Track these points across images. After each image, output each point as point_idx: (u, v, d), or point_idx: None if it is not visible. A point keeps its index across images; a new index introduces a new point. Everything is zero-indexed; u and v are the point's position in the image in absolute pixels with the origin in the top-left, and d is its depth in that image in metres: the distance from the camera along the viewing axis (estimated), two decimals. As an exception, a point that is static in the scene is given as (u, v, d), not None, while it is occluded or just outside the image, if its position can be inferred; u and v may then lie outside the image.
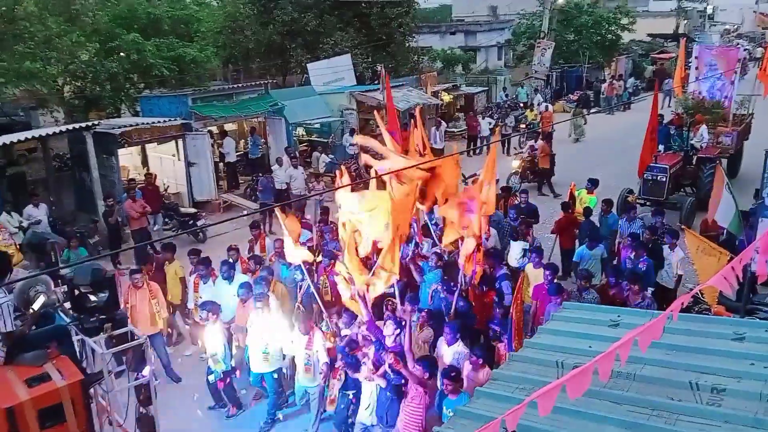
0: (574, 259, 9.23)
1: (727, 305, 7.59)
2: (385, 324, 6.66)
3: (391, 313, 6.82)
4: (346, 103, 19.44)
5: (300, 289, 8.07)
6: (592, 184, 11.60)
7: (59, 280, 5.03)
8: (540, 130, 18.60)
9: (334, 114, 19.27)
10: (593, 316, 5.09)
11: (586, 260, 8.81)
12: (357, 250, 6.88)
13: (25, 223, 11.44)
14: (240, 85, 19.05)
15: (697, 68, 16.62)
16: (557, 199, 13.37)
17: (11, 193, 13.04)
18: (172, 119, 15.04)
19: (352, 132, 18.49)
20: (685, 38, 29.02)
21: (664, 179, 12.91)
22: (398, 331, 6.44)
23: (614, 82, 30.38)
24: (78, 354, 4.79)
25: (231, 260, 8.34)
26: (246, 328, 7.28)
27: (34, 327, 4.65)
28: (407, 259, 8.06)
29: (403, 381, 5.77)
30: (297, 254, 7.52)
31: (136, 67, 18.81)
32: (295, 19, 22.33)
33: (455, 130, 22.99)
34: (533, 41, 31.37)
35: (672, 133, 14.78)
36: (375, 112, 10.70)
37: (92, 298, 4.54)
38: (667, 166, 13.07)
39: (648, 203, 12.89)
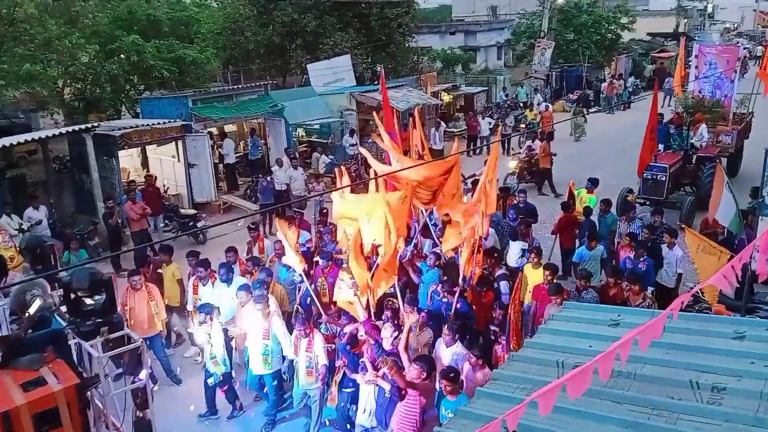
0: (574, 259, 9.22)
1: (728, 304, 7.58)
2: (383, 326, 6.64)
3: (391, 313, 6.81)
4: (346, 103, 19.44)
5: (299, 290, 8.06)
6: (592, 183, 11.60)
7: (56, 284, 5.02)
8: (539, 130, 18.60)
9: (334, 115, 19.26)
10: (593, 315, 5.09)
11: (585, 260, 8.80)
12: (362, 251, 6.89)
13: (25, 226, 11.44)
14: (240, 86, 19.05)
15: (697, 67, 16.60)
16: (558, 199, 13.36)
17: (11, 196, 13.05)
18: (172, 121, 15.05)
19: (352, 133, 18.50)
20: (685, 37, 29.05)
21: (663, 178, 12.89)
22: (396, 333, 6.42)
23: (614, 81, 30.37)
24: (75, 358, 4.77)
25: (229, 262, 8.31)
26: (245, 330, 7.26)
27: (30, 331, 4.64)
28: (405, 260, 8.06)
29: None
30: (295, 262, 7.52)
31: (136, 68, 18.80)
32: (295, 20, 22.34)
33: (455, 130, 22.99)
34: (533, 41, 31.38)
35: (672, 132, 14.77)
36: (374, 113, 10.71)
37: (88, 301, 4.53)
38: (666, 166, 13.06)
39: (648, 203, 12.88)
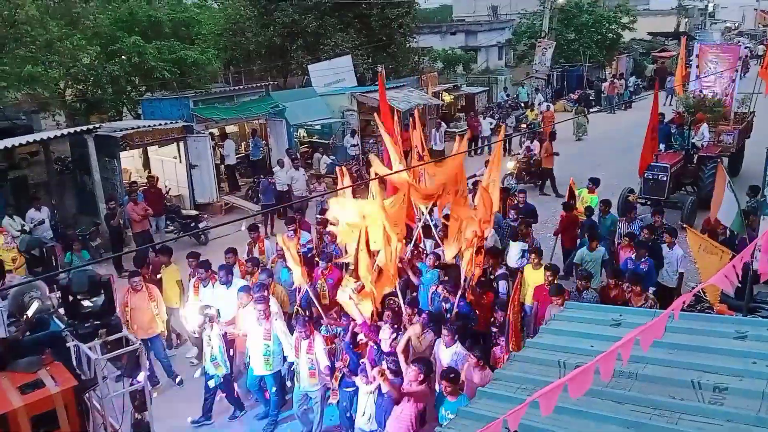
0: (574, 260, 9.16)
1: (730, 304, 7.57)
2: (382, 327, 6.64)
3: (392, 313, 6.81)
4: (347, 104, 19.44)
5: (299, 292, 8.05)
6: (594, 183, 11.59)
7: (54, 286, 5.01)
8: (539, 130, 18.60)
9: (335, 115, 19.28)
10: (595, 315, 5.08)
11: (586, 261, 8.79)
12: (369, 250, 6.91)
13: (27, 227, 11.46)
14: (241, 87, 19.08)
15: (698, 66, 16.59)
16: (559, 199, 13.35)
17: (13, 197, 13.07)
18: (174, 122, 15.08)
19: (353, 133, 18.51)
20: (685, 36, 29.06)
21: (665, 178, 12.86)
22: (395, 335, 6.42)
23: (615, 81, 30.36)
24: (73, 360, 4.76)
25: (228, 263, 8.29)
26: (246, 332, 7.25)
27: (28, 333, 4.63)
28: (404, 261, 8.05)
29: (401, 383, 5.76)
30: (297, 274, 7.50)
31: (138, 70, 18.82)
32: (296, 21, 22.35)
33: (456, 130, 23.01)
34: (534, 41, 31.38)
35: (673, 131, 14.76)
36: (375, 113, 10.72)
37: (86, 303, 4.52)
38: (668, 165, 13.03)
39: (649, 203, 12.86)
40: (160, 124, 14.76)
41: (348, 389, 6.49)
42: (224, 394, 7.49)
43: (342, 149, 18.59)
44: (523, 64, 33.91)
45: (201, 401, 7.49)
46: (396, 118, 9.33)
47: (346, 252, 7.98)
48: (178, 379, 8.28)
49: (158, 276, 8.64)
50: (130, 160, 16.06)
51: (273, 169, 15.11)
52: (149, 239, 12.18)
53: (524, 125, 21.55)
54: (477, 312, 7.33)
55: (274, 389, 7.18)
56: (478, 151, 20.44)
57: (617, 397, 3.75)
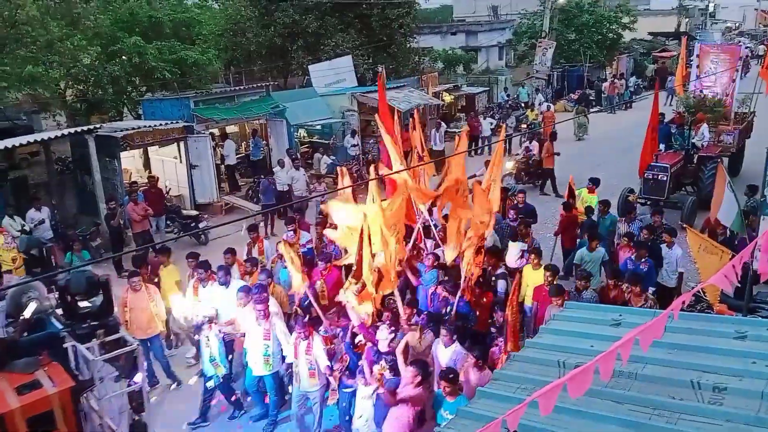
0: (574, 261, 9.14)
1: (729, 304, 7.57)
2: (379, 328, 6.63)
3: (391, 314, 6.81)
4: (347, 104, 19.45)
5: (297, 296, 8.03)
6: (594, 183, 11.59)
7: (53, 286, 5.01)
8: (539, 130, 18.60)
9: (336, 115, 19.28)
10: (594, 315, 5.08)
11: (586, 262, 8.77)
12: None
13: (27, 227, 11.47)
14: (241, 87, 19.09)
15: (698, 67, 16.59)
16: (559, 199, 13.35)
17: (14, 197, 13.08)
18: (174, 122, 15.09)
19: (353, 133, 18.52)
20: (686, 36, 29.04)
21: (665, 178, 12.85)
22: (392, 336, 6.41)
23: (616, 81, 30.35)
24: (72, 361, 4.76)
25: (227, 264, 8.27)
26: (244, 332, 7.22)
27: (26, 334, 4.62)
28: (403, 262, 8.05)
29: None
30: (298, 280, 7.51)
31: (138, 70, 18.84)
32: (296, 21, 22.36)
33: (456, 130, 23.01)
34: (534, 41, 31.37)
35: (673, 132, 14.75)
36: (376, 114, 10.72)
37: (82, 304, 4.51)
38: (668, 165, 13.02)
39: (649, 203, 12.86)
40: (161, 125, 14.77)
41: (347, 390, 6.49)
42: (222, 396, 7.47)
43: (342, 149, 18.59)
44: (523, 65, 33.91)
45: (199, 402, 7.47)
46: (396, 118, 9.31)
47: (346, 252, 7.97)
48: (173, 387, 8.21)
49: (156, 280, 8.62)
50: (130, 161, 16.07)
51: (273, 169, 15.12)
52: (149, 239, 12.18)
53: (524, 125, 21.55)
54: (476, 312, 7.33)
55: (273, 390, 7.17)
56: (479, 151, 20.43)
57: (617, 397, 3.75)
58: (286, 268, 8.31)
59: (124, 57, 18.59)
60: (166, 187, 15.07)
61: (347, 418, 6.50)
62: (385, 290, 7.12)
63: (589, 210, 10.40)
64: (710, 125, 14.81)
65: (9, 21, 15.50)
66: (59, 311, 4.84)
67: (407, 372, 5.60)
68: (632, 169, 13.92)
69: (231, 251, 8.60)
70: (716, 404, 3.54)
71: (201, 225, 13.63)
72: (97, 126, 13.95)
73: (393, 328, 6.51)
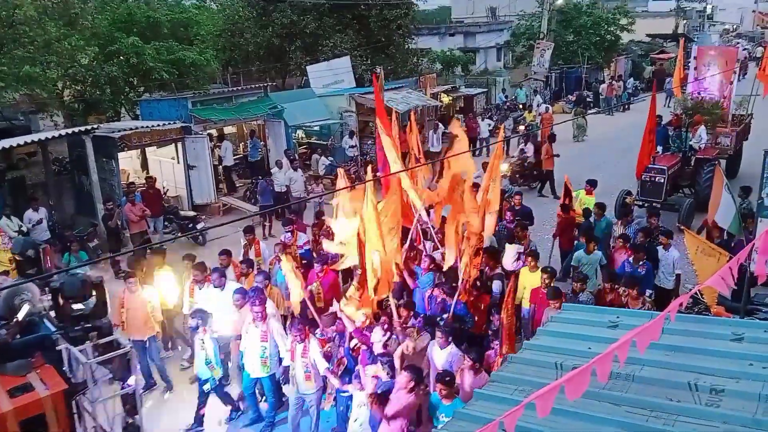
0: (572, 263, 9.12)
1: (727, 306, 7.58)
2: (373, 330, 6.62)
3: (388, 316, 6.79)
4: (345, 105, 19.45)
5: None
6: (591, 184, 11.59)
7: (46, 288, 4.98)
8: (536, 132, 18.61)
9: (334, 116, 19.28)
10: (592, 317, 5.08)
11: (583, 264, 8.76)
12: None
13: (25, 227, 11.44)
14: (239, 87, 19.05)
15: (696, 68, 16.61)
16: (557, 201, 13.35)
17: (11, 197, 13.05)
18: (172, 122, 15.07)
19: (351, 134, 18.52)
20: (684, 38, 29.12)
21: (662, 180, 12.85)
22: (386, 337, 6.39)
23: (613, 82, 30.40)
24: (66, 363, 4.73)
25: (222, 265, 8.23)
26: (240, 334, 7.17)
27: (18, 336, 4.59)
28: (400, 264, 8.03)
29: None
30: (296, 287, 7.50)
31: (136, 70, 18.81)
32: (294, 22, 22.35)
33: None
34: (532, 42, 31.42)
35: (670, 134, 14.76)
36: (374, 115, 10.74)
37: (76, 306, 4.48)
38: (665, 167, 13.03)
39: (646, 205, 12.87)
40: (159, 125, 14.75)
41: (345, 394, 6.47)
42: (218, 398, 7.44)
43: (340, 150, 18.59)
44: (521, 66, 33.99)
45: (194, 405, 7.38)
46: (394, 119, 9.32)
47: (343, 256, 7.95)
48: (166, 395, 8.15)
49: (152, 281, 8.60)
50: (128, 161, 16.04)
51: (271, 170, 15.11)
52: (147, 240, 12.17)
53: (522, 127, 21.56)
54: (473, 314, 7.32)
55: (270, 391, 7.15)
56: (477, 153, 20.42)
57: (614, 398, 3.75)
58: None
59: (121, 57, 18.57)
60: (163, 187, 15.05)
61: (345, 420, 6.49)
62: (381, 294, 7.09)
63: (586, 212, 10.40)
64: (708, 127, 14.83)
65: (6, 21, 15.47)
66: (52, 313, 4.80)
67: (401, 377, 5.57)
68: (631, 171, 13.93)
69: (226, 253, 8.56)
70: (713, 406, 3.54)
71: (198, 226, 13.62)
72: (95, 126, 13.93)
73: (387, 330, 6.49)
